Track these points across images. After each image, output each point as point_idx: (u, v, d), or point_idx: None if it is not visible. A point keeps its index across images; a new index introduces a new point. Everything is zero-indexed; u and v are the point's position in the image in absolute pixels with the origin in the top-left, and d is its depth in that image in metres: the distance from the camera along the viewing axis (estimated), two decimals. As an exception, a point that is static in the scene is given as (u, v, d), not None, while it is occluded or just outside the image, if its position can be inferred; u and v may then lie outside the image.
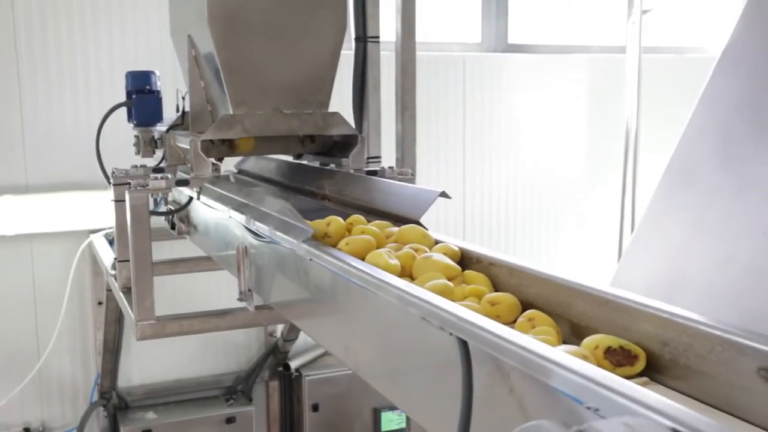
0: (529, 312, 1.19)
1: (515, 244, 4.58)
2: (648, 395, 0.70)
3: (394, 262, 1.38)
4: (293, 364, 3.93)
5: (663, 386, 0.99)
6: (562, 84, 4.63)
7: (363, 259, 1.38)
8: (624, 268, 2.07)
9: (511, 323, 1.19)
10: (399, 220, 1.77)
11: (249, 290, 1.99)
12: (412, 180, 2.43)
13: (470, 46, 4.66)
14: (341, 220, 1.59)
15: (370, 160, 2.71)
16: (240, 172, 2.98)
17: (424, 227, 1.68)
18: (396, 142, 2.79)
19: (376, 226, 1.63)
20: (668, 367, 0.99)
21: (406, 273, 1.41)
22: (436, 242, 1.56)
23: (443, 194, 1.68)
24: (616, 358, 0.97)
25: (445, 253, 1.45)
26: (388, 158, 2.99)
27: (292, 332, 3.81)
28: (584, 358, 0.93)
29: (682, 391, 0.97)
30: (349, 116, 2.77)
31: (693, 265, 1.85)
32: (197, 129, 2.38)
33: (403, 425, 3.88)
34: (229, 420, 3.63)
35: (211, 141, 2.21)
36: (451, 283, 1.31)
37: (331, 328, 1.56)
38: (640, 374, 1.00)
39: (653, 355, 1.00)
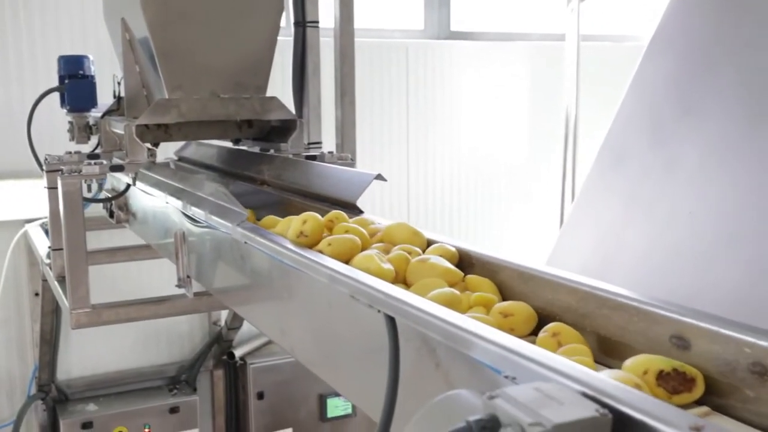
0: (553, 326, 1.01)
1: (459, 227, 4.63)
2: (561, 362, 0.72)
3: (388, 266, 1.20)
4: (238, 353, 3.91)
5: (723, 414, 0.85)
6: (503, 71, 4.68)
7: (347, 263, 1.21)
8: (560, 247, 2.11)
9: (526, 337, 1.06)
10: (336, 203, 1.77)
11: (187, 277, 1.97)
12: (352, 165, 2.43)
13: (413, 33, 4.67)
14: (319, 217, 1.38)
15: (311, 146, 2.70)
16: (180, 159, 2.95)
17: (360, 210, 1.69)
18: (336, 128, 2.78)
19: (358, 223, 1.46)
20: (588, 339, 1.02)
21: (400, 278, 1.25)
22: (429, 242, 1.39)
23: (379, 177, 1.68)
24: (671, 384, 0.82)
25: (441, 255, 1.27)
26: (330, 144, 2.99)
27: (236, 320, 3.78)
28: (638, 386, 0.79)
29: (606, 364, 1.00)
30: (289, 102, 2.75)
31: (624, 244, 1.90)
32: (132, 114, 2.34)
33: (350, 411, 3.89)
34: (173, 410, 3.59)
35: (146, 126, 2.17)
36: (457, 292, 1.14)
37: (267, 311, 1.55)
38: (700, 401, 0.84)
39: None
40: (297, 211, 1.91)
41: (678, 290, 1.66)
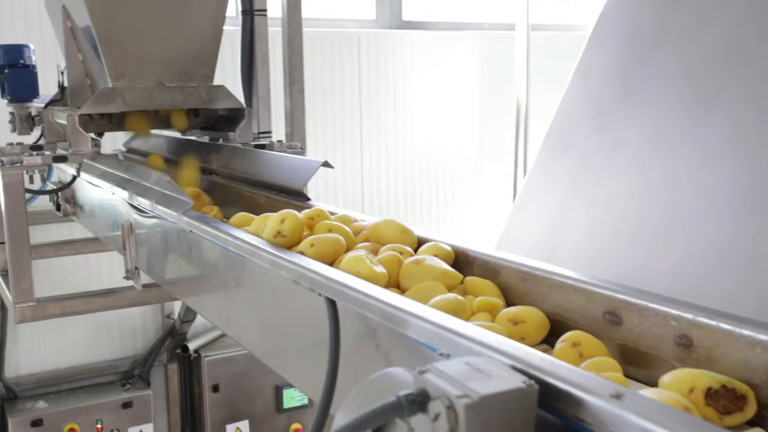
0: (572, 335, 0.89)
1: (413, 214, 4.66)
2: (493, 338, 0.73)
3: (380, 269, 1.08)
4: (192, 346, 3.87)
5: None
6: (455, 60, 4.71)
7: (332, 264, 1.10)
8: (508, 231, 2.14)
9: (538, 345, 0.97)
10: (283, 190, 1.77)
11: (135, 268, 1.95)
12: (302, 153, 2.43)
13: (365, 23, 4.67)
14: (298, 215, 1.25)
15: (261, 135, 2.68)
16: (129, 150, 2.91)
17: (307, 197, 1.69)
18: (285, 116, 2.77)
19: (341, 220, 1.33)
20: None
21: (393, 282, 1.12)
22: (419, 240, 1.26)
23: (326, 164, 1.69)
24: (722, 403, 0.73)
25: (436, 255, 1.15)
26: (281, 133, 2.97)
27: (190, 313, 3.75)
28: (686, 409, 0.70)
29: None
30: (239, 92, 2.73)
31: (570, 226, 1.93)
32: (76, 104, 2.30)
33: (306, 401, 3.89)
34: (126, 405, 3.55)
35: (90, 116, 2.14)
36: (461, 297, 1.02)
37: (214, 300, 1.55)
38: (753, 422, 0.74)
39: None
40: (245, 200, 1.91)
41: (620, 270, 1.70)
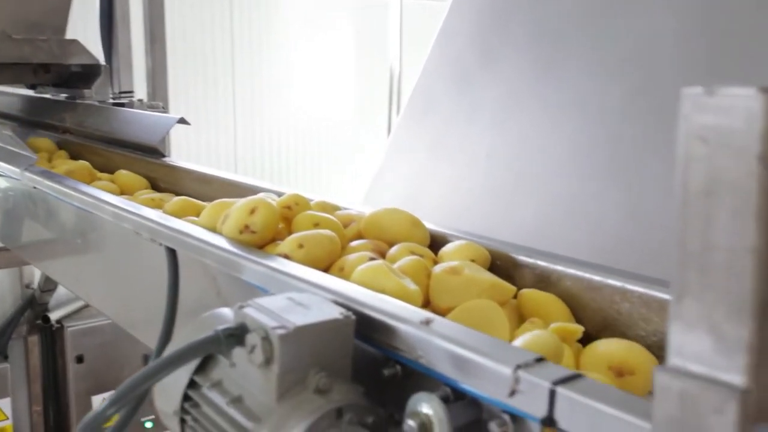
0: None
1: (288, 179, 4.64)
2: (320, 276, 0.75)
3: (411, 285, 0.79)
4: (53, 316, 3.71)
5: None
6: (330, 24, 4.69)
7: (326, 270, 0.84)
8: (374, 189, 2.17)
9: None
10: (138, 147, 1.72)
11: (-20, 231, 1.84)
12: (164, 113, 2.36)
13: (237, -16, 4.56)
14: (271, 204, 0.95)
15: (122, 94, 2.58)
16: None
17: (162, 153, 1.65)
18: (146, 75, 2.68)
19: (321, 208, 1.03)
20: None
21: (423, 298, 0.81)
22: (433, 236, 0.98)
23: (182, 121, 1.65)
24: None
25: (471, 258, 0.88)
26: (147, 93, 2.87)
27: (50, 282, 3.58)
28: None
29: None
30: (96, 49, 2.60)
31: (432, 185, 1.98)
32: None
33: (177, 370, 3.82)
34: (-19, 379, 3.37)
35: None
36: (557, 338, 0.70)
37: (63, 260, 1.49)
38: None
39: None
40: (100, 158, 1.84)
41: (479, 228, 1.76)
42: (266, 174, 4.49)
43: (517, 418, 0.54)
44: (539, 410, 0.50)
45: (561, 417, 0.49)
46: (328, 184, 4.80)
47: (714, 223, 0.38)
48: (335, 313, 0.63)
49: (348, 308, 0.65)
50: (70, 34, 2.23)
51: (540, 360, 0.53)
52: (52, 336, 3.78)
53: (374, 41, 4.80)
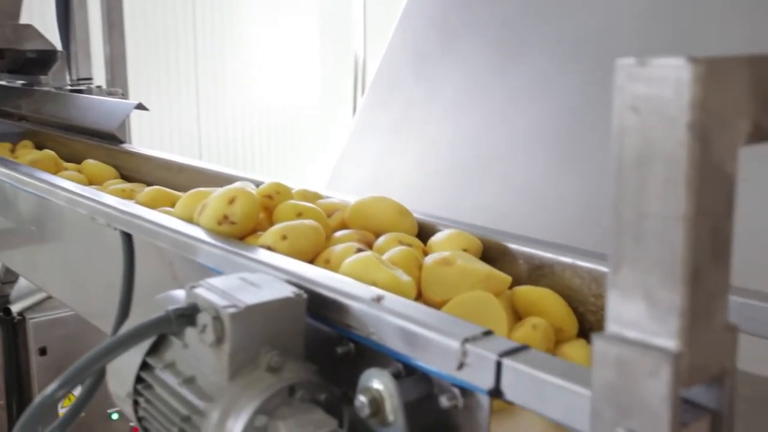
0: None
1: (253, 165, 4.62)
2: (273, 257, 0.75)
3: (403, 276, 0.76)
4: (15, 308, 3.64)
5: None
6: (294, 11, 4.66)
7: (311, 262, 0.81)
8: (338, 172, 2.17)
9: None
10: (96, 134, 1.69)
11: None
12: (123, 99, 2.32)
13: (199, -30, 4.50)
14: (251, 193, 0.90)
15: (81, 81, 2.53)
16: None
17: (120, 140, 1.63)
18: (105, 62, 2.63)
19: (302, 197, 0.99)
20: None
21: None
22: (420, 225, 0.93)
23: (140, 106, 1.63)
24: None
25: (462, 248, 0.84)
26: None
27: (11, 273, 3.52)
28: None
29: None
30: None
31: (395, 167, 1.99)
32: None
33: (143, 360, 3.79)
34: (-59, 373, 3.30)
35: None
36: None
37: (20, 249, 1.47)
38: None
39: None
40: (58, 146, 1.81)
41: (441, 209, 1.77)
42: (231, 160, 4.46)
43: (466, 392, 0.55)
44: (486, 382, 0.51)
45: (507, 388, 0.50)
46: (294, 170, 4.78)
47: (647, 192, 0.39)
48: (287, 291, 0.63)
49: (300, 287, 0.65)
50: (26, 21, 2.19)
51: (488, 333, 0.54)
52: (14, 328, 3.72)
53: (338, 27, 4.78)
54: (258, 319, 0.60)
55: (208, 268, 0.81)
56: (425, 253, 0.84)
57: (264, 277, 0.67)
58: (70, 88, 2.20)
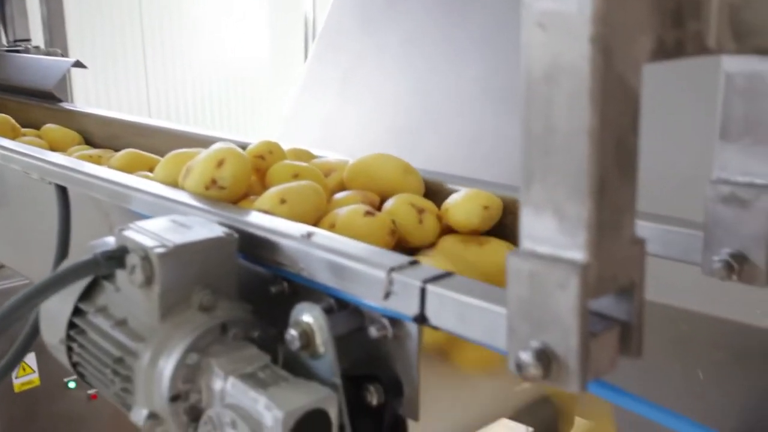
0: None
1: (204, 119, 4.57)
2: (206, 201, 0.74)
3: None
4: (-37, 279, 3.57)
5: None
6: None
7: (315, 223, 0.73)
8: (288, 129, 2.16)
9: None
10: (34, 93, 1.65)
11: None
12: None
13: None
14: (241, 153, 0.80)
15: (18, 42, 2.46)
16: None
17: (58, 99, 1.59)
18: (42, 23, 2.56)
19: (294, 156, 0.91)
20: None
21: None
22: (427, 185, 0.86)
23: (78, 64, 1.59)
24: None
25: (487, 208, 0.75)
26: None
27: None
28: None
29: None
30: None
31: (341, 125, 1.98)
32: None
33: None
34: None
35: None
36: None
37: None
38: None
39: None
40: (15, 112, 1.75)
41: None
42: (182, 118, 4.42)
43: (395, 322, 0.56)
44: (412, 309, 0.52)
45: (432, 314, 0.51)
46: (247, 129, 4.74)
47: (554, 108, 0.40)
48: (218, 231, 0.63)
49: (232, 228, 0.65)
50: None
51: (414, 263, 0.55)
52: (-38, 300, 3.64)
53: (288, -13, 4.72)
54: (188, 259, 0.60)
55: (143, 216, 0.81)
56: (439, 218, 0.77)
57: (195, 219, 0.66)
58: (6, 49, 2.13)
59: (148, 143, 1.22)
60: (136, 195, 0.80)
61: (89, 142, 1.42)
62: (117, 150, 1.13)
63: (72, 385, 3.32)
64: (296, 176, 0.81)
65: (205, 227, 0.64)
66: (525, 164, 0.42)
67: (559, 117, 0.39)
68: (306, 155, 0.93)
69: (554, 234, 0.41)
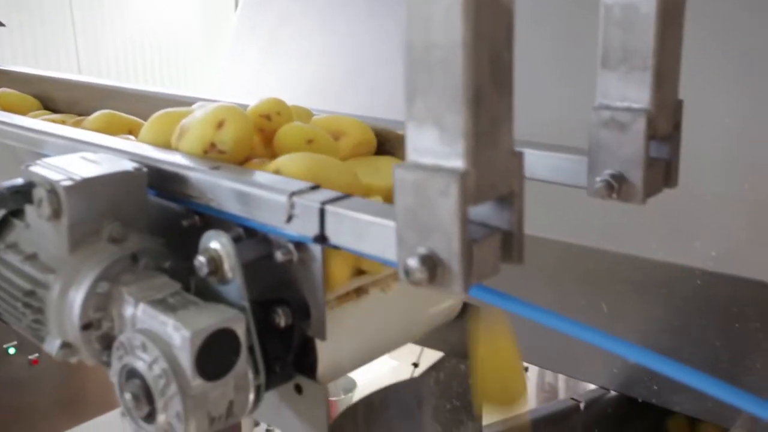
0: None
1: (137, 77, 4.50)
2: (122, 143, 0.75)
3: None
4: None
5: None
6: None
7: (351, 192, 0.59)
8: (220, 89, 2.15)
9: None
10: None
11: None
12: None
13: None
14: (243, 113, 0.71)
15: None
16: None
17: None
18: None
19: (302, 116, 0.82)
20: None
21: None
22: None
23: (-6, 20, 1.54)
24: None
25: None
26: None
27: None
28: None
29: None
30: None
31: (269, 81, 1.99)
32: None
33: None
34: None
35: None
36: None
37: None
38: None
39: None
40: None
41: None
42: (112, 71, 4.34)
43: (300, 246, 0.58)
44: (312, 230, 0.54)
45: (331, 233, 0.53)
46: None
47: (432, 23, 0.42)
48: (127, 166, 0.64)
49: (141, 164, 0.66)
50: None
51: (315, 188, 0.57)
52: None
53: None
54: (96, 192, 0.61)
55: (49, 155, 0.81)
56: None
57: (106, 156, 0.67)
58: None
59: (117, 107, 1.16)
60: (48, 139, 0.80)
61: (48, 107, 1.36)
62: (80, 115, 1.08)
63: (12, 351, 3.26)
64: (310, 143, 0.73)
65: (115, 163, 0.65)
66: (407, 80, 0.44)
67: (437, 32, 0.42)
68: (305, 114, 0.84)
69: (436, 145, 0.44)
